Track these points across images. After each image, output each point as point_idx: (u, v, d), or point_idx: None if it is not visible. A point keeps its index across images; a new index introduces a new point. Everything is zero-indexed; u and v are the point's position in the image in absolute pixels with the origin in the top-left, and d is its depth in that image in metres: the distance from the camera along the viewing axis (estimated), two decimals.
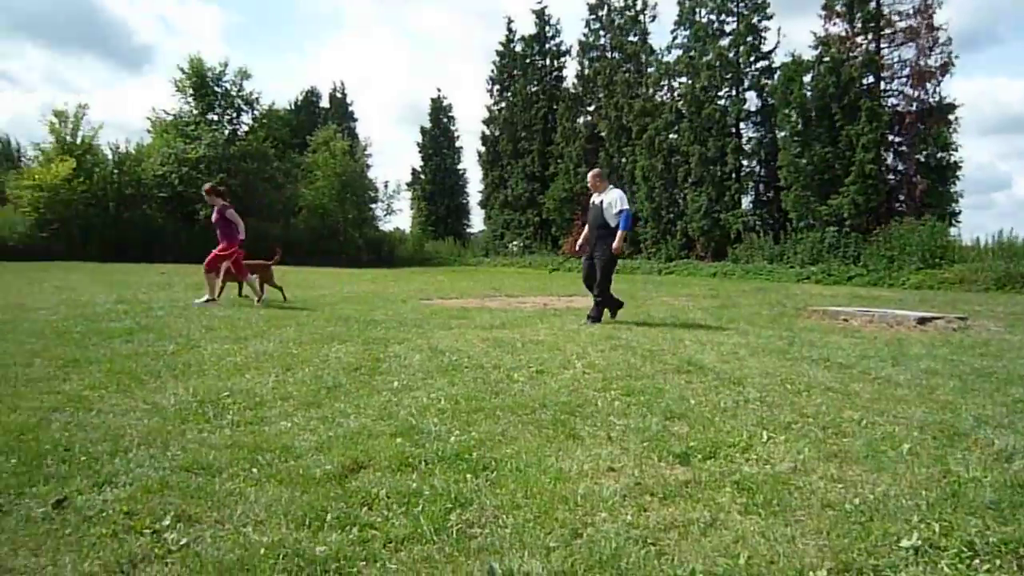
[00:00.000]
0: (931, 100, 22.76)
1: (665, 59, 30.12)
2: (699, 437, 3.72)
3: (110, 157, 29.90)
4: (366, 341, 6.84)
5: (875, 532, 2.53)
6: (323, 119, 40.97)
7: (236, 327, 7.67)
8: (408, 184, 42.83)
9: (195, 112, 31.94)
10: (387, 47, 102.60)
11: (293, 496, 2.79)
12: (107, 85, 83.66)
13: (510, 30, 39.05)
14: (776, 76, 25.83)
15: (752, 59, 27.39)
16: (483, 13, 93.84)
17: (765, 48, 27.26)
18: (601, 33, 33.81)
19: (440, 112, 43.50)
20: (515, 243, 36.69)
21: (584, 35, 34.41)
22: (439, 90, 51.62)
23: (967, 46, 53.82)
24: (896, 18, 23.28)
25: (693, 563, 2.31)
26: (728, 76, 27.59)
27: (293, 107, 42.43)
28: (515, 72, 38.33)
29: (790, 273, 22.50)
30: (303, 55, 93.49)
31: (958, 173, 22.65)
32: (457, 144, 43.99)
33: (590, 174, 9.16)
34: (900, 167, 23.90)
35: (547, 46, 38.21)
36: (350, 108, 45.50)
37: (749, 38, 27.10)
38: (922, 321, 8.77)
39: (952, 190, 22.74)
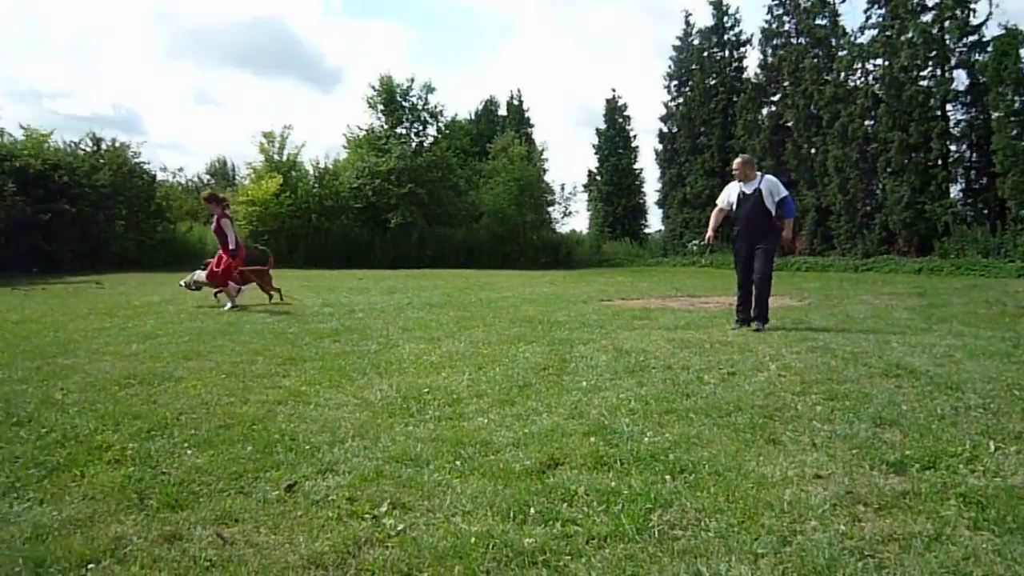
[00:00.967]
0: None
1: (858, 41, 28.04)
2: (915, 445, 3.43)
3: (311, 172, 32.55)
4: (551, 342, 6.95)
5: None
6: (501, 127, 42.12)
7: (429, 328, 8.07)
8: (584, 186, 43.02)
9: (385, 127, 34.01)
10: (559, 50, 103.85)
11: (496, 489, 2.89)
12: (305, 106, 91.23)
13: (687, 23, 38.15)
14: (988, 51, 23.25)
15: (960, 34, 24.82)
16: (655, 9, 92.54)
17: (975, 21, 24.62)
18: (786, 19, 32.10)
19: (615, 112, 43.27)
20: (695, 242, 35.69)
21: (766, 22, 32.85)
22: (614, 90, 51.15)
23: None
24: None
25: None
26: (932, 54, 25.15)
27: (473, 117, 44.01)
28: (693, 66, 37.37)
29: (1009, 268, 20.11)
30: (480, 65, 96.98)
31: None
32: (633, 143, 43.59)
33: (739, 161, 8.11)
34: None
35: (726, 37, 36.88)
36: (526, 114, 46.45)
37: (956, 11, 24.59)
38: None
39: None
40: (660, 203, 39.99)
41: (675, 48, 38.63)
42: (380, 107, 34.04)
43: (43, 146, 25.59)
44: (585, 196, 43.06)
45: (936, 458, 3.25)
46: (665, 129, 38.94)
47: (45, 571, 2.25)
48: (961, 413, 4.04)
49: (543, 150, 39.24)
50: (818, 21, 30.25)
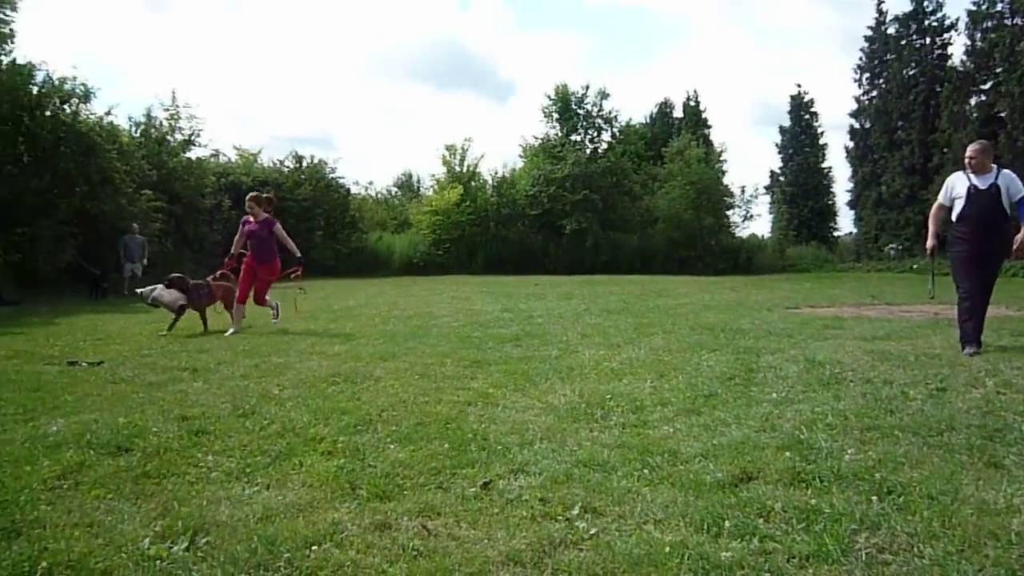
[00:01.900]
0: None
1: None
2: None
3: (489, 182, 33.73)
4: (735, 350, 6.73)
5: None
6: (677, 129, 41.33)
7: (608, 334, 8.09)
8: (766, 187, 41.23)
9: (560, 134, 34.50)
10: (736, 47, 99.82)
11: (687, 500, 2.86)
12: (482, 118, 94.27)
13: (880, 11, 35.59)
14: None
15: None
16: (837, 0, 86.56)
17: None
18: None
19: (800, 108, 41.17)
20: (892, 246, 33.05)
21: (975, 4, 29.88)
22: (799, 85, 48.78)
23: None
24: None
25: None
26: None
27: (648, 120, 43.52)
28: (888, 56, 34.75)
29: None
30: (654, 68, 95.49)
31: None
32: (820, 141, 41.21)
33: (977, 148, 6.77)
34: None
35: (926, 23, 33.96)
36: (703, 115, 45.26)
37: None
38: None
39: None
40: (852, 204, 37.59)
41: (866, 39, 36.25)
42: (555, 115, 34.59)
43: (253, 164, 28.56)
44: (767, 198, 41.24)
45: None
46: (856, 125, 36.54)
47: (276, 549, 2.50)
48: None
49: (722, 151, 38.11)
50: None
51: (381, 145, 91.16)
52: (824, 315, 10.21)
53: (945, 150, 30.36)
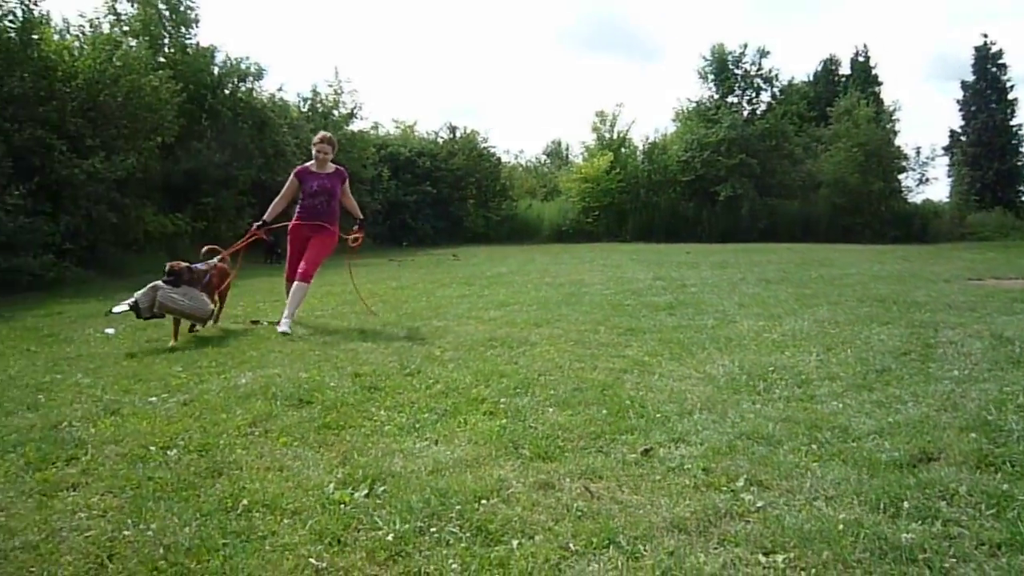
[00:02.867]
0: None
1: None
2: None
3: (640, 148, 33.07)
4: (910, 324, 6.29)
5: None
6: (843, 87, 38.55)
7: (767, 304, 7.79)
8: (944, 148, 37.71)
9: (715, 96, 33.19)
10: None
11: (861, 478, 2.74)
12: (632, 81, 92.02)
13: None
14: None
15: None
16: None
17: None
18: None
19: (986, 61, 37.17)
20: None
21: None
22: (985, 36, 43.66)
23: None
24: None
25: None
26: None
27: (811, 79, 40.89)
28: None
29: None
30: (819, 22, 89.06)
31: None
32: (1009, 96, 37.08)
33: None
34: None
35: None
36: (873, 71, 41.90)
37: None
38: None
39: None
40: None
41: None
42: (711, 76, 33.29)
43: (409, 136, 29.64)
44: (945, 160, 37.70)
45: None
46: None
47: (447, 501, 2.65)
48: None
49: (894, 110, 35.16)
50: None
51: (530, 113, 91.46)
52: (1012, 288, 9.30)
53: None
